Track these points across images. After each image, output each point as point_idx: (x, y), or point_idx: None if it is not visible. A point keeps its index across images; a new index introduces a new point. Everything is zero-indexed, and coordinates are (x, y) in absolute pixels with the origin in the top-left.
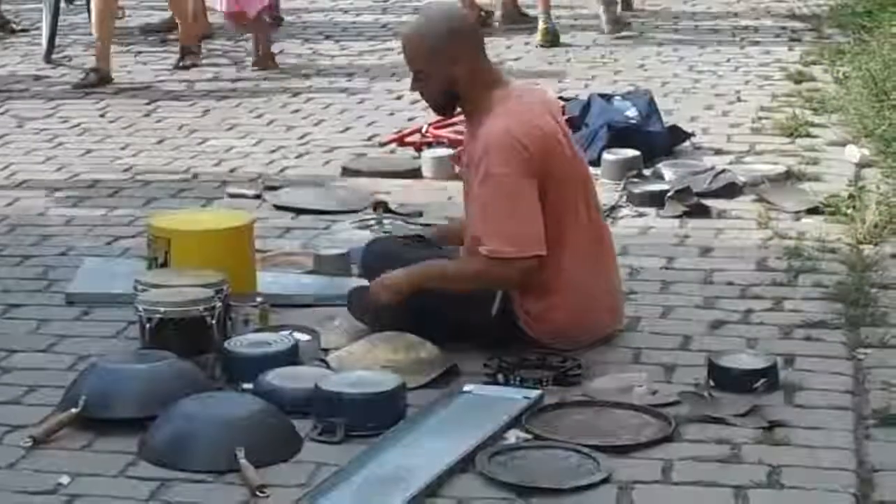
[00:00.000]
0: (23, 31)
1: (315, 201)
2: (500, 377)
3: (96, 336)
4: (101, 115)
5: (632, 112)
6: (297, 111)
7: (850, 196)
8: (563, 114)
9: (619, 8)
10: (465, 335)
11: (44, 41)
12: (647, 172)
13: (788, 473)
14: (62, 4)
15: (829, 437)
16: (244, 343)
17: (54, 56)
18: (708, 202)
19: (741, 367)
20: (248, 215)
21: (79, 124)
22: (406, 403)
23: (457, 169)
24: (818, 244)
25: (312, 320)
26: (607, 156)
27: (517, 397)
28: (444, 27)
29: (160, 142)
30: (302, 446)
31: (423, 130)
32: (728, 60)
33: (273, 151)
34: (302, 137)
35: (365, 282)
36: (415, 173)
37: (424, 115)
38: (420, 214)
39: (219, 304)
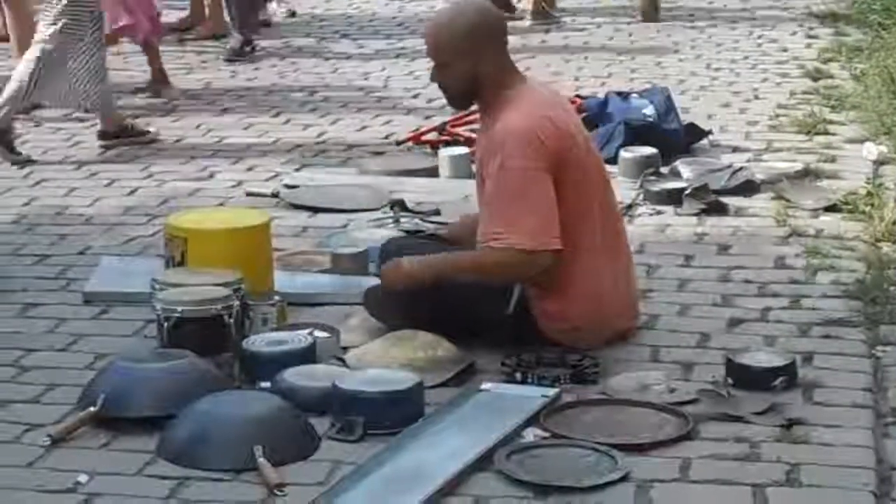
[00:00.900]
0: None
1: (332, 200)
2: (518, 375)
3: (114, 335)
4: None
5: (649, 110)
6: (314, 110)
7: (868, 193)
8: (581, 111)
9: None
10: (481, 333)
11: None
12: (664, 170)
13: (807, 471)
14: None
15: (848, 434)
16: (262, 342)
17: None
18: (726, 200)
19: (760, 365)
20: (265, 214)
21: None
22: (424, 402)
23: (474, 167)
24: (836, 242)
25: (329, 319)
26: (624, 154)
27: (535, 395)
28: (474, 23)
29: (178, 140)
30: (320, 445)
31: (440, 129)
32: (745, 58)
33: (290, 150)
34: (319, 136)
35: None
36: (432, 172)
37: (441, 114)
38: (437, 213)
39: (236, 302)
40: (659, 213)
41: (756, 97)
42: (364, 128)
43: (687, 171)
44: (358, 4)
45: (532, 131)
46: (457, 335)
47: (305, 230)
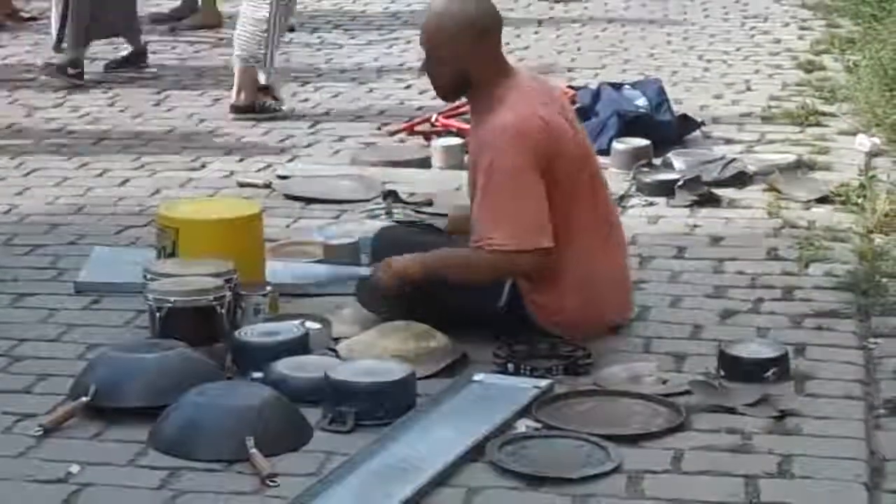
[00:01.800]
0: (32, 19)
1: (324, 190)
2: (510, 366)
3: (106, 325)
4: (111, 105)
5: (642, 101)
6: (306, 100)
7: (861, 185)
8: (573, 102)
9: None
10: (473, 325)
11: (53, 30)
12: (656, 162)
13: (799, 463)
14: None
15: (840, 426)
16: (254, 332)
17: (64, 45)
18: (718, 191)
19: (752, 357)
20: (257, 204)
21: (88, 113)
22: (416, 393)
23: (466, 159)
24: (829, 233)
25: (322, 310)
26: (617, 145)
27: (527, 386)
28: (473, 17)
29: (170, 131)
30: (312, 435)
31: (433, 120)
32: (738, 49)
33: (282, 140)
34: (311, 126)
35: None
36: (424, 162)
37: (434, 105)
38: (430, 203)
39: (228, 293)
40: (651, 204)
41: (748, 89)
42: (357, 118)
43: (679, 163)
44: None
45: (522, 129)
46: (449, 326)
47: (297, 221)
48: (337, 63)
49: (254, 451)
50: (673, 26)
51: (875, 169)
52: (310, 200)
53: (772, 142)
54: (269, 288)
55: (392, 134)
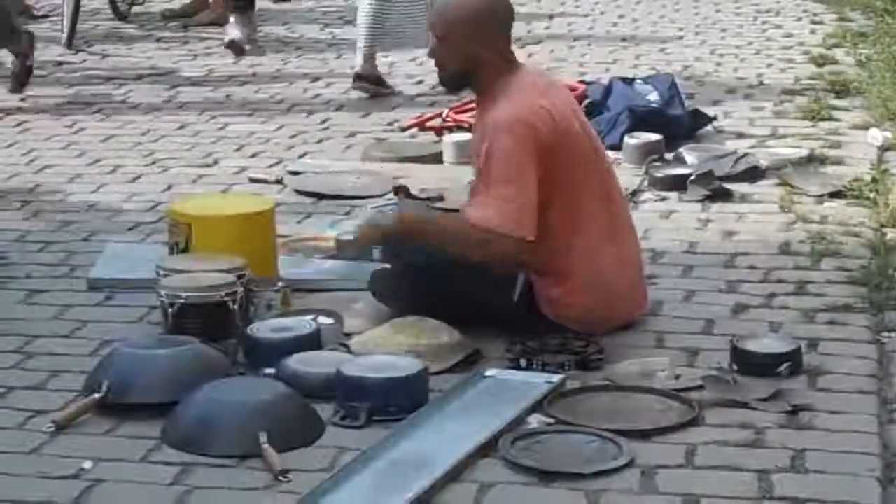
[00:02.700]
0: (44, 16)
1: (336, 186)
2: (523, 362)
3: (119, 321)
4: (122, 101)
5: (653, 96)
6: (317, 96)
7: (873, 179)
8: (585, 97)
9: None
10: (487, 320)
11: (65, 27)
12: (668, 156)
13: (812, 458)
14: None
15: (853, 421)
16: (266, 328)
17: (76, 42)
18: (730, 186)
19: (764, 352)
20: (269, 200)
21: (100, 110)
22: (428, 388)
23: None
24: (841, 228)
25: (334, 305)
26: (629, 140)
27: (539, 382)
28: (487, 6)
29: (181, 127)
30: (324, 431)
31: (444, 115)
32: (750, 44)
33: (294, 136)
34: (323, 122)
35: (387, 266)
36: (436, 158)
37: (445, 100)
38: (441, 198)
39: (240, 289)
40: (663, 199)
41: (761, 83)
42: (368, 114)
43: (691, 157)
44: None
45: (524, 117)
46: (462, 322)
47: (309, 216)
48: (348, 59)
49: (266, 446)
50: (685, 21)
51: (887, 163)
52: (321, 196)
53: (784, 136)
54: (281, 283)
55: (403, 129)
